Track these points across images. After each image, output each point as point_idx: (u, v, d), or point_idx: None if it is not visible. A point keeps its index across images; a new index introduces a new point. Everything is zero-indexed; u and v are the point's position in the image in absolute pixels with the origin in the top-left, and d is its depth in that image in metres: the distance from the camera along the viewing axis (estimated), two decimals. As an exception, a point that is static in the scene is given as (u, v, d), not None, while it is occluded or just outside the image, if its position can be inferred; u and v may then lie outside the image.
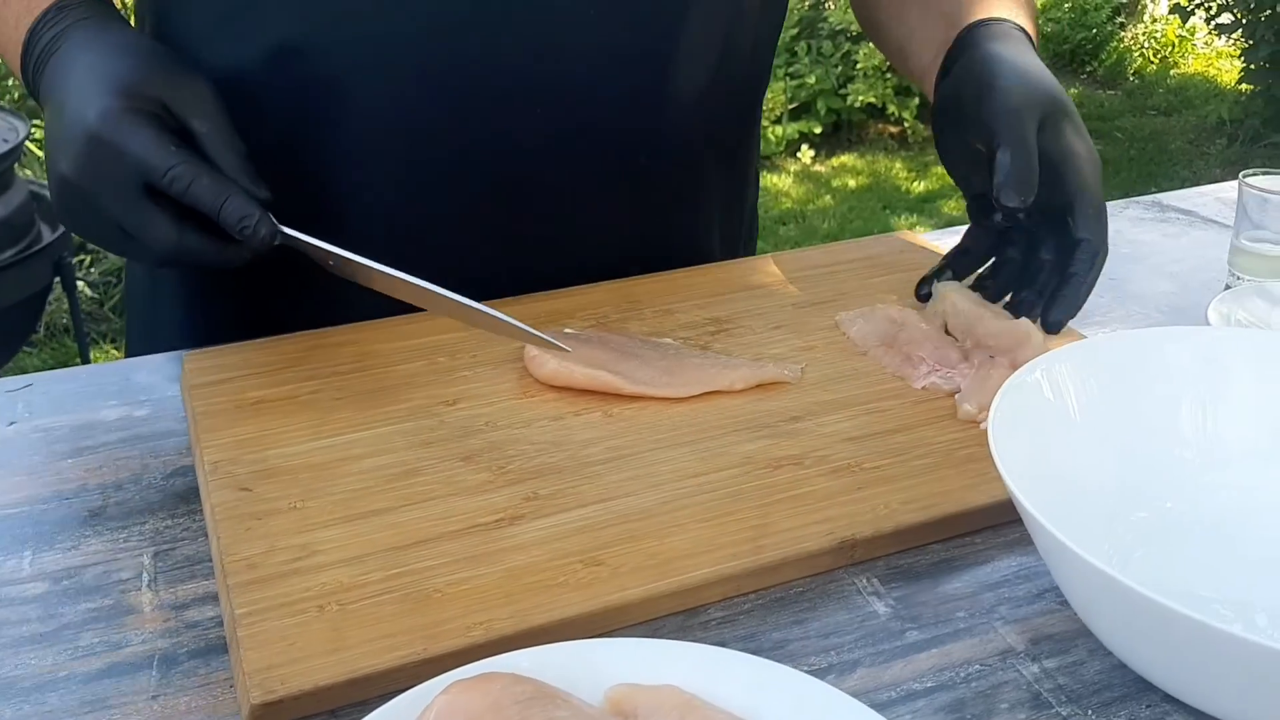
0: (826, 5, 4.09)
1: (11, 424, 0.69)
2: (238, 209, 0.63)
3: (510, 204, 0.78)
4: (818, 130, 4.02)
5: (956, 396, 0.68)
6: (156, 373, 0.74)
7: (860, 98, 3.96)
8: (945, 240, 0.93)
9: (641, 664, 0.46)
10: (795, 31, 4.04)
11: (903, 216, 3.59)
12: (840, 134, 4.14)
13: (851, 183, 3.84)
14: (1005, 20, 0.79)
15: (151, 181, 0.62)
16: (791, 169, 3.94)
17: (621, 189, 0.81)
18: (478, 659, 0.50)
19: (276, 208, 0.65)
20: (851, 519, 0.58)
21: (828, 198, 3.74)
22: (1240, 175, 0.85)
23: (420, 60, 0.73)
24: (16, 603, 0.55)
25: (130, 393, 0.72)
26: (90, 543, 0.59)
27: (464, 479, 0.61)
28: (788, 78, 3.99)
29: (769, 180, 3.82)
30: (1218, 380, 0.59)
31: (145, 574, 0.57)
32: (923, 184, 3.84)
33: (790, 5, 4.02)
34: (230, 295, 0.82)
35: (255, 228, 0.63)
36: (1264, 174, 0.85)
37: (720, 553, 0.56)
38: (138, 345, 0.86)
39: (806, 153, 3.96)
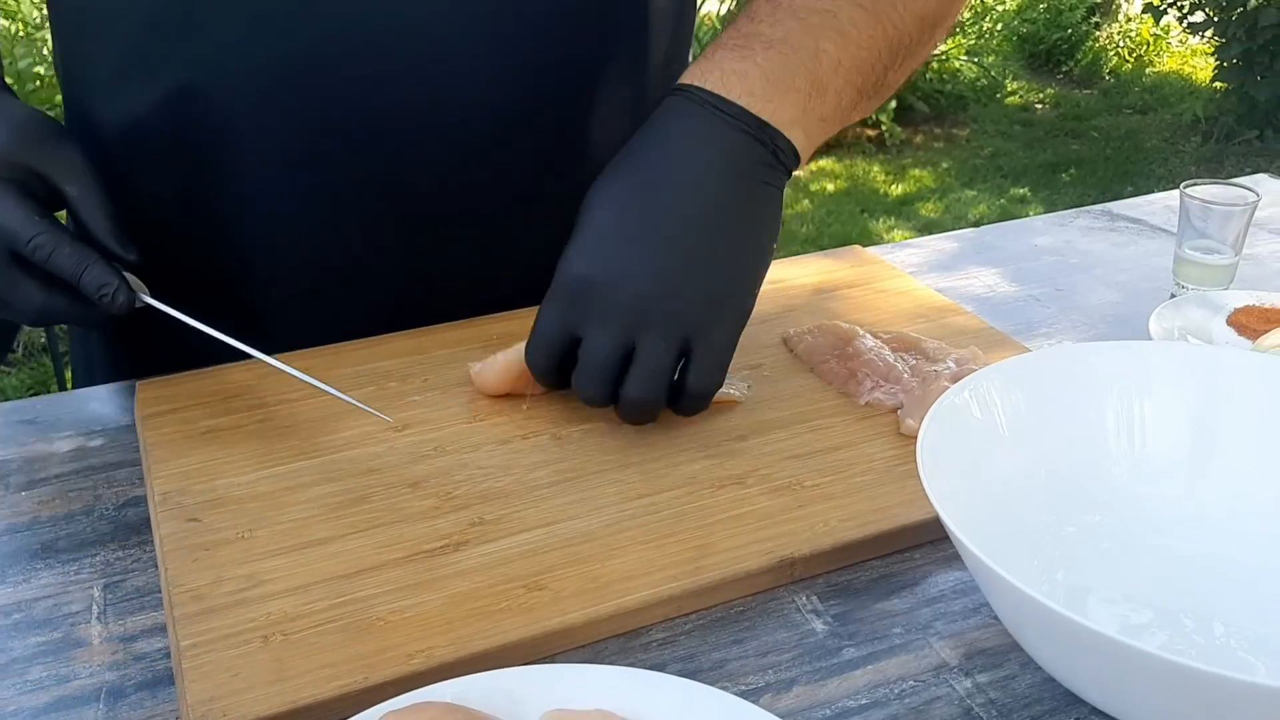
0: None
1: (-35, 457, 0.70)
2: (96, 278, 0.65)
3: (422, 236, 0.79)
4: (794, 135, 4.02)
5: (899, 412, 0.69)
6: (110, 403, 0.75)
7: (836, 102, 3.97)
8: (914, 249, 0.95)
9: (575, 689, 0.47)
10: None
11: (880, 220, 3.61)
12: (817, 138, 4.14)
13: (829, 186, 3.86)
14: (730, 111, 0.64)
15: (16, 250, 0.64)
16: (769, 174, 3.95)
17: (537, 212, 0.80)
18: (418, 686, 0.51)
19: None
20: (791, 537, 0.59)
21: (805, 202, 3.75)
22: (1181, 185, 0.86)
23: (305, 96, 0.73)
24: (-35, 638, 0.56)
25: (84, 423, 0.73)
26: (41, 575, 0.60)
27: (410, 505, 0.62)
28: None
29: (746, 186, 3.83)
30: (1143, 393, 0.60)
31: (95, 606, 0.58)
32: (900, 187, 3.86)
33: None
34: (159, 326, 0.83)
35: (114, 296, 0.65)
36: (1206, 184, 0.86)
37: (660, 574, 0.57)
38: (81, 376, 0.86)
39: (783, 157, 3.97)
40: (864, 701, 0.52)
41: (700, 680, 0.53)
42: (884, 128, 4.13)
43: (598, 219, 0.65)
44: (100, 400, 0.75)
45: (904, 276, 0.87)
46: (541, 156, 0.79)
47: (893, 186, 3.85)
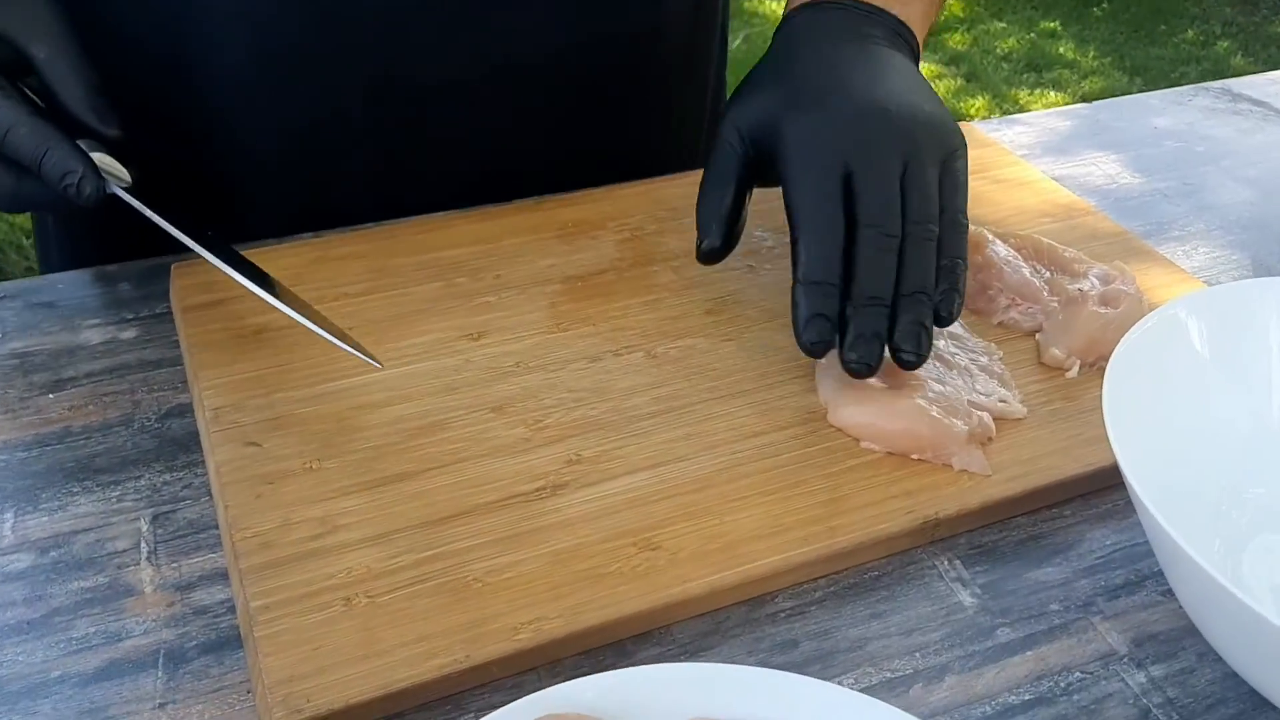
0: None
1: (-18, 346, 0.62)
2: (58, 163, 0.54)
3: (422, 144, 0.71)
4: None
5: (1039, 337, 0.61)
6: (143, 285, 0.66)
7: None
8: (1022, 127, 0.85)
9: (716, 692, 0.41)
10: None
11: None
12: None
13: None
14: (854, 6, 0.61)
15: None
16: None
17: (558, 116, 0.74)
18: (525, 665, 0.45)
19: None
20: (933, 493, 0.52)
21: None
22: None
23: None
24: (1, 579, 0.49)
25: (114, 309, 0.64)
26: (79, 502, 0.53)
27: (496, 435, 0.54)
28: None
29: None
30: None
31: (144, 544, 0.51)
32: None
33: None
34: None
35: (79, 185, 0.54)
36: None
37: (789, 535, 0.50)
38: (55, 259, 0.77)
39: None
40: (1027, 697, 0.46)
41: (839, 665, 0.47)
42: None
43: (796, 68, 0.59)
44: (130, 281, 0.67)
45: (1022, 163, 0.78)
46: (571, 55, 0.72)
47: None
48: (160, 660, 0.46)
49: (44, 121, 0.55)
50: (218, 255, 0.57)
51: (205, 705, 0.44)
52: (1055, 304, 0.62)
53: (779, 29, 0.63)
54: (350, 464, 0.52)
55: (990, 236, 0.67)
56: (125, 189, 0.57)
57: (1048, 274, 0.65)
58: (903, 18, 0.62)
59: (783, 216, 0.56)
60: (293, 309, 0.55)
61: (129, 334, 0.63)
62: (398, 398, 0.56)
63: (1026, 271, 0.64)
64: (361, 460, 0.53)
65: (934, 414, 0.54)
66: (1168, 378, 0.51)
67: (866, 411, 0.54)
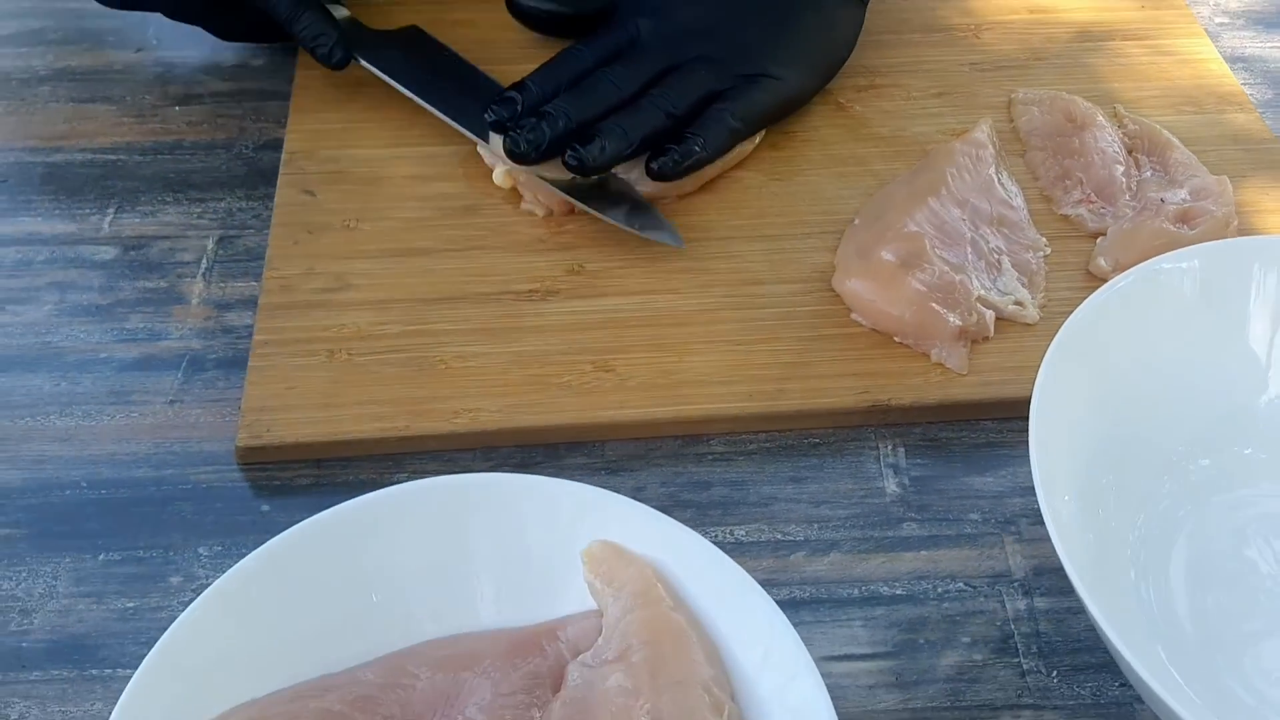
0: None
1: (138, 50, 0.70)
2: (311, 29, 0.61)
3: None
4: None
5: (1099, 241, 0.58)
6: (288, 12, 0.72)
7: None
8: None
9: (559, 505, 0.44)
10: None
11: None
12: None
13: None
14: None
15: None
16: None
17: None
18: (460, 445, 0.51)
19: None
20: (896, 378, 0.53)
21: None
22: None
23: None
24: (87, 264, 0.58)
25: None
26: (168, 211, 0.61)
27: (518, 230, 0.58)
28: None
29: None
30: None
31: (205, 260, 0.59)
32: None
33: None
34: None
35: (330, 51, 0.61)
36: None
37: (736, 388, 0.52)
38: None
39: None
40: (898, 591, 0.48)
41: (738, 515, 0.50)
42: None
43: None
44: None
45: (1200, 36, 0.70)
46: None
47: None
48: (183, 364, 0.55)
49: None
50: (445, 112, 0.61)
51: (204, 410, 0.53)
52: (1131, 210, 0.58)
53: None
54: (381, 230, 0.58)
55: (1100, 119, 0.62)
56: (364, 57, 0.63)
57: (1150, 173, 0.61)
58: None
59: (884, 53, 0.65)
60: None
61: (259, 61, 0.69)
62: (448, 175, 0.61)
63: (1119, 169, 0.60)
64: (392, 229, 0.58)
65: (927, 302, 0.53)
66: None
67: (863, 284, 0.54)
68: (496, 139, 0.58)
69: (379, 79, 0.62)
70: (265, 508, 0.50)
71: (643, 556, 0.44)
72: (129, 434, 0.52)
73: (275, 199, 0.59)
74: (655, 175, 0.57)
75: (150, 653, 0.38)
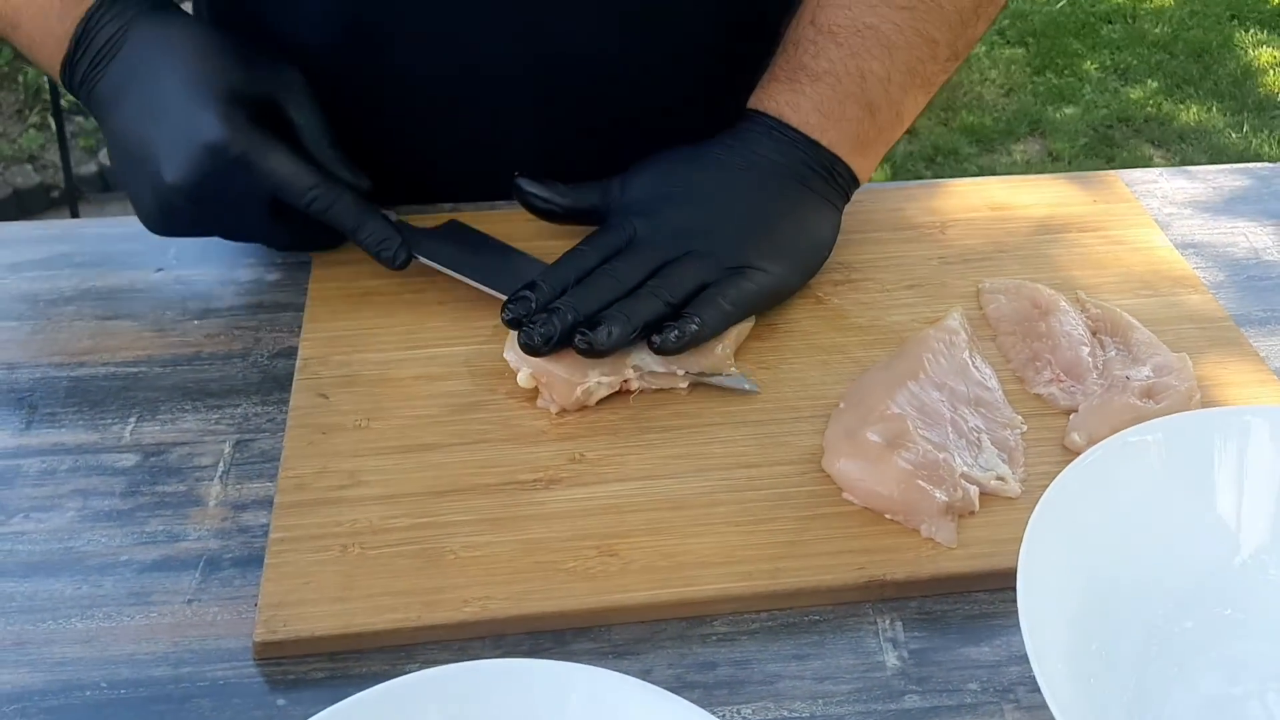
0: None
1: (159, 270, 0.74)
2: (377, 234, 0.66)
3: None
4: (1175, -86, 3.51)
5: (1070, 418, 0.61)
6: (300, 231, 0.77)
7: (1235, -119, 3.40)
8: (1190, 180, 0.82)
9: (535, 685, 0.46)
10: None
11: (1250, 32, 3.15)
12: (1202, -79, 3.60)
13: (1201, -17, 3.37)
14: (791, 136, 0.67)
15: (283, 198, 0.64)
16: (1134, -41, 3.49)
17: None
18: (471, 635, 0.53)
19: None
20: (890, 555, 0.55)
21: (1167, -2, 3.31)
22: None
23: None
24: (109, 472, 0.61)
25: (270, 253, 0.75)
26: (186, 419, 0.64)
27: (521, 422, 0.61)
28: None
29: (1104, -31, 3.41)
30: None
31: (222, 464, 0.62)
32: (1286, -6, 3.33)
33: None
34: None
35: (395, 253, 0.66)
36: None
37: (737, 568, 0.54)
38: None
39: (1156, -59, 3.49)
40: (904, 764, 0.49)
41: (744, 695, 0.51)
42: (1288, -83, 3.53)
43: (649, 173, 0.68)
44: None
45: (1150, 226, 0.75)
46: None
47: (1278, -8, 3.33)
48: (201, 564, 0.57)
49: (357, 197, 0.66)
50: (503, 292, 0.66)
51: (221, 608, 0.55)
52: (1099, 387, 0.62)
53: (734, 126, 0.69)
54: (392, 428, 0.61)
55: (1063, 304, 0.67)
56: (422, 253, 0.68)
57: (1114, 353, 0.64)
58: (826, 144, 0.68)
59: (855, 250, 0.70)
60: None
61: (273, 276, 0.74)
62: (453, 373, 0.64)
63: (1085, 350, 0.64)
64: (402, 426, 0.61)
65: (914, 480, 0.56)
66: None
67: (852, 465, 0.57)
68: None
69: (386, 289, 0.67)
70: (281, 702, 0.51)
71: (652, 737, 0.45)
72: (148, 634, 0.54)
73: (290, 402, 0.63)
74: (658, 350, 0.61)
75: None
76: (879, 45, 0.68)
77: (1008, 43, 3.11)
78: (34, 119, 2.68)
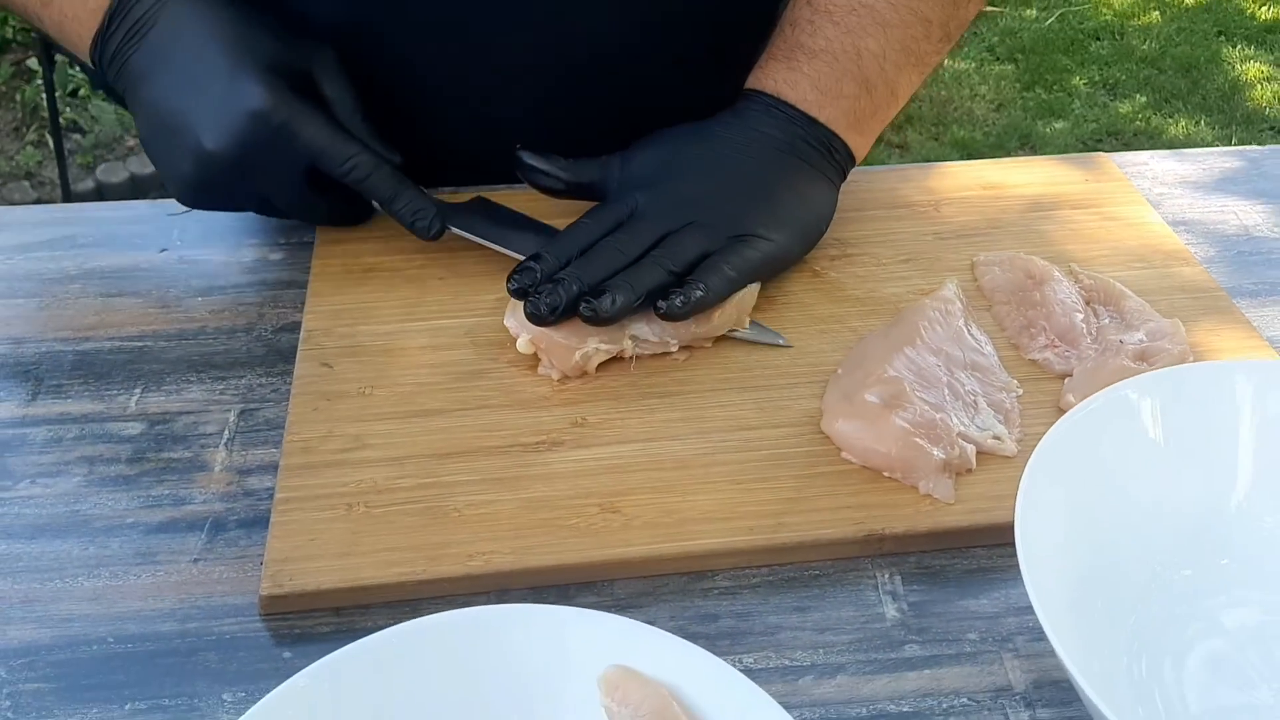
0: None
1: (163, 250, 0.75)
2: (412, 204, 0.67)
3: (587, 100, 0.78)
4: (1162, -67, 3.56)
5: (1065, 382, 0.62)
6: (302, 213, 0.78)
7: (1220, -100, 3.45)
8: (1182, 161, 0.83)
9: (542, 626, 0.46)
10: None
11: (1238, 47, 3.18)
12: (1189, -60, 3.65)
13: None
14: (789, 113, 0.68)
15: (323, 166, 0.66)
16: (1122, -24, 3.53)
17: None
18: (475, 589, 0.53)
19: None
20: (888, 510, 0.56)
21: (1155, 14, 3.34)
22: None
23: None
24: (115, 439, 0.62)
25: (273, 233, 0.76)
26: (192, 389, 0.65)
27: (524, 389, 0.62)
28: None
29: (1091, -13, 3.45)
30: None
31: (227, 431, 0.62)
32: (1271, 10, 3.36)
33: None
34: None
35: (430, 223, 0.67)
36: None
37: (738, 523, 0.55)
38: None
39: (1144, -42, 3.53)
40: (905, 709, 0.49)
41: (746, 644, 0.52)
42: (1273, -64, 3.57)
43: (650, 149, 0.69)
44: (291, 210, 0.79)
45: (1142, 203, 0.77)
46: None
47: (1263, 8, 3.36)
48: (206, 526, 0.57)
49: (393, 169, 0.67)
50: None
51: (227, 567, 0.55)
52: (1093, 351, 0.63)
53: (734, 105, 0.70)
54: (396, 394, 0.62)
55: (1057, 275, 0.67)
56: (455, 224, 0.69)
57: (1107, 320, 0.65)
58: (824, 120, 0.69)
59: (851, 227, 0.70)
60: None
61: (276, 256, 0.75)
62: (456, 343, 0.65)
63: (1079, 316, 0.65)
64: (406, 393, 0.62)
65: (912, 438, 0.57)
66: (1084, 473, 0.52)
67: (850, 425, 0.58)
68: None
69: (387, 265, 0.68)
70: (287, 654, 0.51)
71: (657, 679, 0.46)
72: (155, 591, 0.54)
73: (294, 372, 0.63)
74: (663, 315, 0.62)
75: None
76: (874, 23, 0.69)
77: (997, 59, 3.14)
78: (31, 136, 2.69)
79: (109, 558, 0.55)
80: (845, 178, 0.71)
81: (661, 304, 0.62)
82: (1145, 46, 3.19)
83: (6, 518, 0.57)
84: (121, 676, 0.50)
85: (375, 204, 0.69)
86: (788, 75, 0.69)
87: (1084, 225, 0.74)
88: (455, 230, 0.69)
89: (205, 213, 0.78)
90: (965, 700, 0.50)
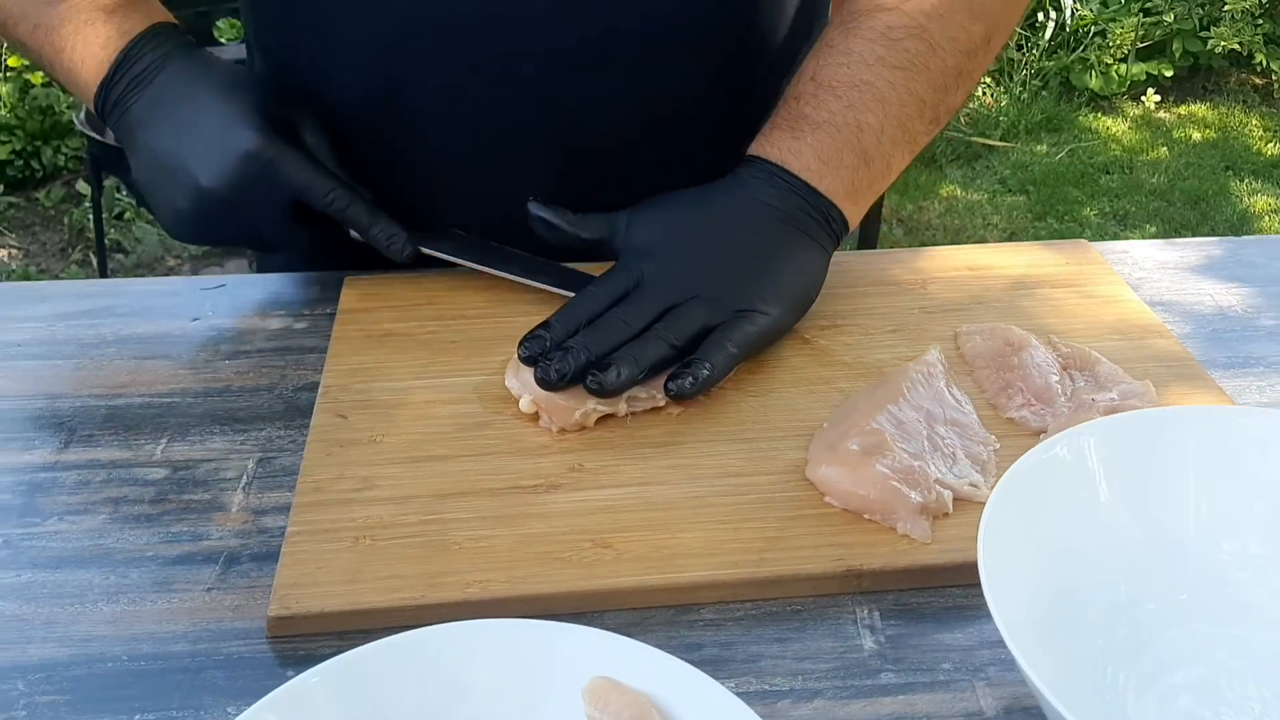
0: (1203, -64, 3.70)
1: (195, 320, 0.80)
2: (385, 230, 0.75)
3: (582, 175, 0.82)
4: (1168, 74, 3.68)
5: (1040, 437, 0.65)
6: (328, 289, 0.83)
7: (1223, 43, 3.58)
8: (1167, 249, 0.87)
9: (531, 641, 0.49)
10: (1160, -36, 3.69)
11: (1245, 181, 3.26)
12: (1195, 80, 3.77)
13: (1195, 135, 3.51)
14: (790, 182, 0.73)
15: (307, 199, 0.73)
16: (1130, 113, 3.65)
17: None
18: (472, 614, 0.55)
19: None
20: (866, 549, 0.58)
21: (1163, 149, 3.44)
22: None
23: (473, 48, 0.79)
24: (140, 483, 0.65)
25: (297, 305, 0.82)
26: (214, 440, 0.69)
27: (526, 439, 0.66)
28: (1141, 14, 3.67)
29: (1100, 123, 3.56)
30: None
31: (245, 476, 0.66)
32: (1277, 146, 3.46)
33: (1160, -65, 3.67)
34: None
35: (403, 246, 0.75)
36: None
37: (724, 558, 0.58)
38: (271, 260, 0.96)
39: (1151, 97, 3.65)
40: (879, 731, 0.51)
41: (728, 670, 0.54)
42: (1275, 77, 3.69)
43: (656, 214, 0.74)
44: (319, 285, 0.84)
45: (1120, 283, 0.81)
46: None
47: (1269, 145, 3.45)
48: (221, 559, 0.60)
49: (366, 200, 0.75)
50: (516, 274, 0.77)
51: (238, 596, 0.58)
52: (1068, 409, 0.66)
53: (736, 171, 0.75)
54: (404, 442, 0.65)
55: (1034, 342, 0.71)
56: (426, 245, 0.77)
57: (1082, 383, 0.69)
58: (824, 190, 0.73)
59: (842, 302, 0.75)
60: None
61: (300, 325, 0.80)
62: (463, 399, 0.69)
63: (1054, 378, 0.68)
64: (414, 440, 0.65)
65: (891, 482, 0.60)
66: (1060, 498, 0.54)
67: (833, 471, 0.61)
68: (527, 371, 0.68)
69: (402, 330, 0.72)
70: (290, 674, 0.53)
71: (638, 689, 0.48)
72: (169, 616, 0.57)
73: (311, 422, 0.67)
74: (674, 396, 0.66)
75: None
76: (874, 100, 0.74)
77: (1009, 190, 3.23)
78: (76, 255, 2.80)
79: (128, 586, 0.59)
80: (838, 245, 0.76)
81: (672, 386, 0.66)
82: (1154, 180, 3.28)
83: (34, 550, 0.61)
84: (133, 690, 0.53)
85: (354, 233, 0.76)
86: (791, 144, 0.74)
87: (1063, 302, 0.78)
88: (427, 250, 0.76)
89: (236, 285, 0.83)
90: (937, 723, 0.52)
